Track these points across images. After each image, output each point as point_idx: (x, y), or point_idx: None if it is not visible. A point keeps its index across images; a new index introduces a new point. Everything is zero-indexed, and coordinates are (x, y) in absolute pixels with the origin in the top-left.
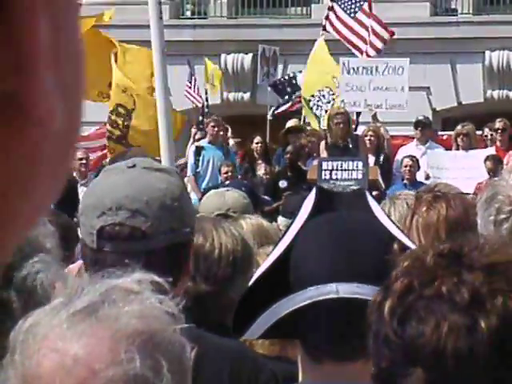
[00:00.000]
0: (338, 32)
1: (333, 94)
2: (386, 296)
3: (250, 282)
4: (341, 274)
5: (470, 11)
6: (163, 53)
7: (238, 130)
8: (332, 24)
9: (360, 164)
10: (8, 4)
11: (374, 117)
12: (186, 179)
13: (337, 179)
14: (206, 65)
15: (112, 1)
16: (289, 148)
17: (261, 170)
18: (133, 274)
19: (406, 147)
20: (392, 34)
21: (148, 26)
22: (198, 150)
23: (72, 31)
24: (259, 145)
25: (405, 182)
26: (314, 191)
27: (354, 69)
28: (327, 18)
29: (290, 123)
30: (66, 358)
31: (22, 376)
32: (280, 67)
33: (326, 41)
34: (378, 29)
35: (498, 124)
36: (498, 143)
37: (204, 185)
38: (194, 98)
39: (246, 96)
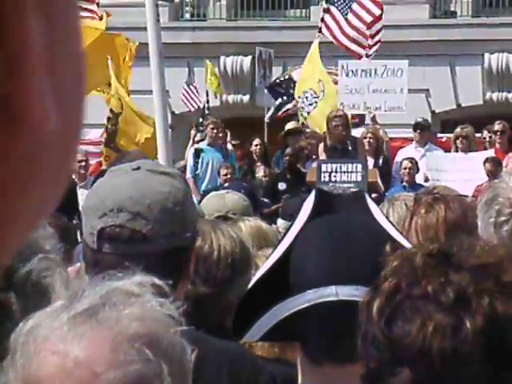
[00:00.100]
0: (332, 35)
1: (316, 97)
2: (374, 296)
3: (250, 285)
4: (340, 276)
5: (470, 13)
6: (160, 55)
7: (237, 132)
8: (328, 26)
9: (359, 166)
10: None
11: (373, 119)
12: None
13: (336, 181)
14: (206, 66)
15: (112, 3)
16: (288, 150)
17: (260, 172)
18: (133, 276)
19: (405, 149)
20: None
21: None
22: (197, 152)
23: (71, 31)
24: (258, 147)
25: (404, 184)
26: (313, 193)
27: (352, 71)
28: (322, 20)
29: (289, 125)
30: (66, 360)
31: (23, 378)
32: (279, 69)
33: (324, 43)
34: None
35: (497, 126)
36: (498, 145)
37: (203, 187)
38: (190, 101)
39: (246, 98)
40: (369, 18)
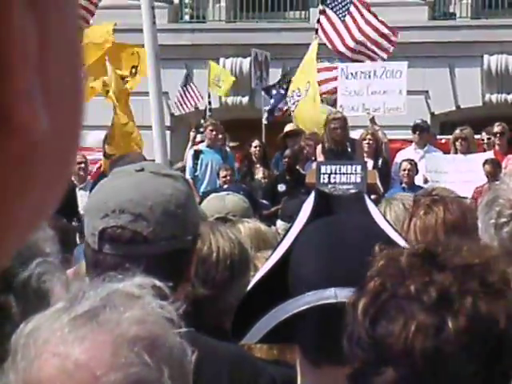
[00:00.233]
0: (327, 37)
1: (298, 96)
2: (360, 296)
3: (249, 286)
4: (339, 278)
5: (469, 15)
6: (157, 57)
7: (236, 133)
8: (323, 29)
9: (359, 168)
10: None
11: (372, 120)
12: None
13: (335, 183)
14: (210, 68)
15: (113, 4)
16: (287, 152)
17: (259, 173)
18: (134, 278)
19: (404, 151)
20: (394, 36)
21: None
22: (197, 154)
23: (68, 32)
24: (257, 148)
25: (403, 185)
26: (312, 195)
27: (352, 74)
28: (318, 21)
29: (288, 127)
30: (67, 362)
31: (23, 380)
32: (279, 71)
33: (324, 44)
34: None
35: (497, 128)
36: (497, 147)
37: (203, 188)
38: (186, 103)
39: (245, 100)
40: (365, 26)
